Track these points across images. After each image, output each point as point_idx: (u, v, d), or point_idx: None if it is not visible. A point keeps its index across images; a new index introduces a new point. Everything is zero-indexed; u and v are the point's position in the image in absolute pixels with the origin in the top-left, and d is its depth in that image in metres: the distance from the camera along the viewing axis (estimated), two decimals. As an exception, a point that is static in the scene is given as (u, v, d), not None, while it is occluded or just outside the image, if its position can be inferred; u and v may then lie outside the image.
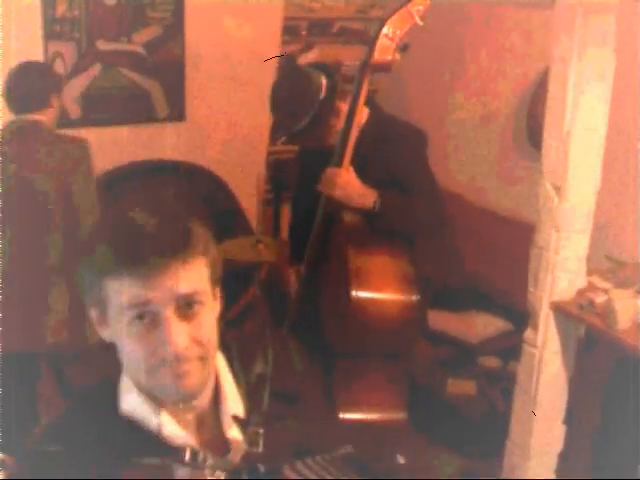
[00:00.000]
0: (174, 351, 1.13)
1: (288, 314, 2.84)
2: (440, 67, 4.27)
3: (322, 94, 2.60)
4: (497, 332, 3.59)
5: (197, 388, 1.18)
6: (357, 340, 2.58)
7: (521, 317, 2.79)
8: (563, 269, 2.56)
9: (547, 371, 2.65)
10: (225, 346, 1.26)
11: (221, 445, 1.22)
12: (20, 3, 3.63)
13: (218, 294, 1.24)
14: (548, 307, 2.59)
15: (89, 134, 3.23)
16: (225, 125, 4.38)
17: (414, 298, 2.56)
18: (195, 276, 1.15)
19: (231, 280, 1.40)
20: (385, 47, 2.50)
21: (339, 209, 2.62)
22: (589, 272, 2.65)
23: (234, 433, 1.23)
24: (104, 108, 4.11)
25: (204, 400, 1.22)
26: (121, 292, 1.12)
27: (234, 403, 1.25)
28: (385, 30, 2.49)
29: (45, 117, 2.95)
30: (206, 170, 4.32)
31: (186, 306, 1.14)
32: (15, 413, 2.42)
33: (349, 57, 4.44)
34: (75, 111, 4.05)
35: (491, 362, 3.45)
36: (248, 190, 4.46)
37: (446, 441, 3.07)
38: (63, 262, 2.90)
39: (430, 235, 2.74)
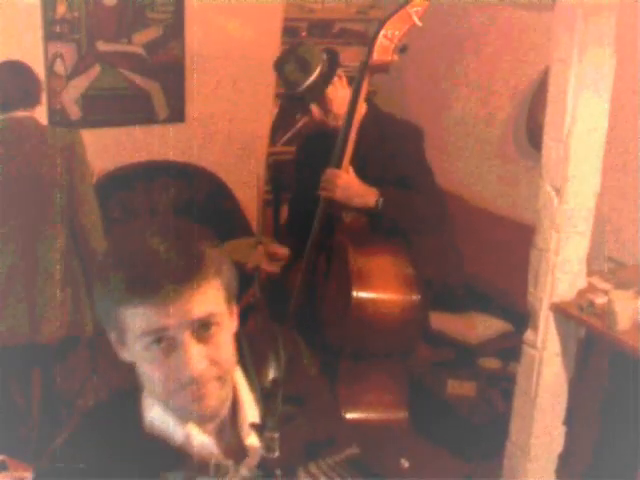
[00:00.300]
0: (192, 374, 1.13)
1: (288, 314, 2.84)
2: (440, 68, 4.27)
3: (322, 64, 2.62)
4: (497, 333, 3.59)
5: (217, 408, 1.18)
6: (358, 340, 2.58)
7: (521, 318, 2.79)
8: (563, 270, 2.56)
9: (547, 372, 2.65)
10: (239, 353, 1.25)
11: (239, 452, 1.22)
12: (20, 4, 3.64)
13: (235, 310, 1.23)
14: (548, 308, 2.59)
15: (89, 135, 3.23)
16: (225, 126, 4.38)
17: (415, 298, 2.56)
18: (210, 299, 1.14)
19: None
20: (384, 48, 2.50)
21: (339, 210, 2.63)
22: (589, 273, 2.65)
23: (252, 440, 1.22)
24: (104, 109, 4.11)
25: (224, 411, 1.22)
26: (136, 320, 1.12)
27: (251, 411, 1.25)
28: (384, 31, 2.49)
29: (34, 114, 2.94)
30: (206, 171, 4.32)
31: (202, 328, 1.14)
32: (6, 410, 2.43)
33: (349, 58, 4.43)
34: (75, 112, 4.05)
35: (491, 363, 3.45)
36: (248, 191, 4.46)
37: (446, 442, 3.07)
38: (62, 254, 2.90)
39: (432, 230, 2.74)
